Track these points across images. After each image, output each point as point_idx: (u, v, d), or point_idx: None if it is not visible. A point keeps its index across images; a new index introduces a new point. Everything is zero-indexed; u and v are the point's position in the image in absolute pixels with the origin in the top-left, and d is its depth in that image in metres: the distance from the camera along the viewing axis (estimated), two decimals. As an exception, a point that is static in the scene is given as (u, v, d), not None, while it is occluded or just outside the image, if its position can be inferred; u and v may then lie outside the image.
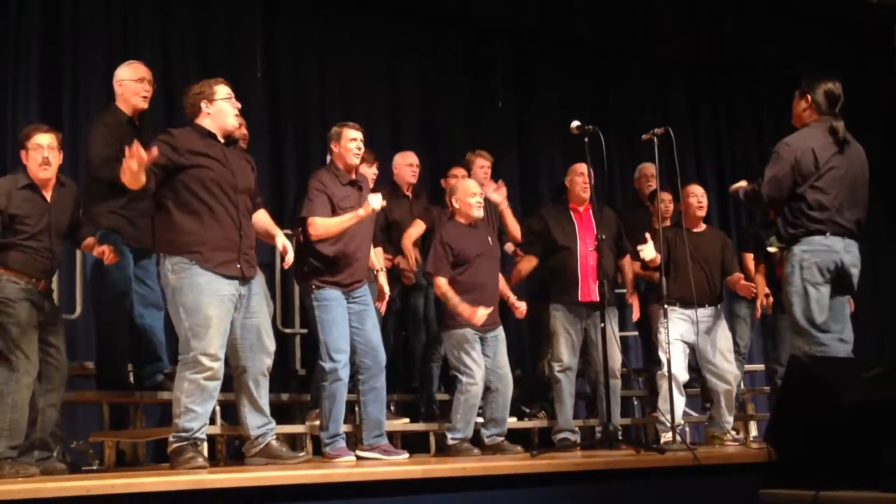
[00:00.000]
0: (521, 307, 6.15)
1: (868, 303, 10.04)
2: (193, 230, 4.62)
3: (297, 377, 6.89)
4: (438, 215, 6.44)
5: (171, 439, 4.57)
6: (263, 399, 4.84)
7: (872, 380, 4.52)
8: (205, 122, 4.81)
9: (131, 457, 5.87)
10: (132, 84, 5.62)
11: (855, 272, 5.15)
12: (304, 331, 6.77)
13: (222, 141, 4.82)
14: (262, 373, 4.81)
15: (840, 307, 5.18)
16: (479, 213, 6.00)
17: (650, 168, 7.25)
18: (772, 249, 6.74)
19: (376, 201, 5.32)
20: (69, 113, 6.81)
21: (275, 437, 4.89)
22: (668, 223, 6.58)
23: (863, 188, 5.22)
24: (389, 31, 8.47)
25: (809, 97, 5.25)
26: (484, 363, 5.88)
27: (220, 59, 7.59)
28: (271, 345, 4.87)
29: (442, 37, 8.76)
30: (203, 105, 4.80)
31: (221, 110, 4.80)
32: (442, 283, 5.87)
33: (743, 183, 5.51)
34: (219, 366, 4.60)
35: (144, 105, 5.65)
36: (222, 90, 4.83)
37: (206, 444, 4.88)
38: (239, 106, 4.89)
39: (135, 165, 4.34)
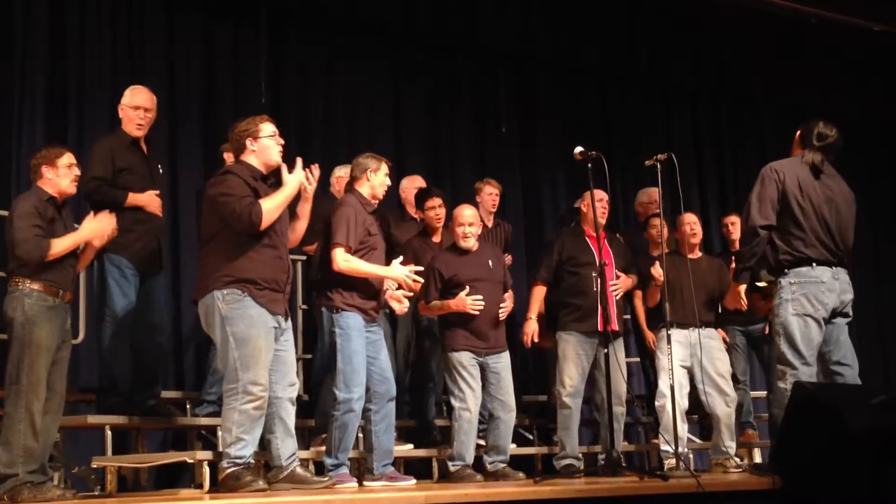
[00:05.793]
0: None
1: (874, 329, 10.03)
2: (246, 265, 4.66)
3: (300, 402, 6.85)
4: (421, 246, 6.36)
5: (224, 465, 4.62)
6: (292, 426, 4.90)
7: (879, 406, 4.51)
8: (250, 158, 4.83)
9: (133, 482, 5.85)
10: (128, 110, 5.63)
11: (846, 298, 5.13)
12: (308, 356, 6.75)
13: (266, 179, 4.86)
14: (291, 401, 4.89)
15: (839, 334, 5.17)
16: (465, 243, 5.91)
17: (653, 193, 7.21)
18: (761, 284, 6.73)
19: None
20: (74, 137, 6.79)
21: (298, 462, 4.92)
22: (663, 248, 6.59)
23: (848, 219, 5.22)
24: (394, 56, 8.51)
25: (801, 132, 5.29)
26: (479, 389, 5.85)
27: (224, 84, 7.62)
28: (294, 376, 4.97)
29: (447, 62, 8.80)
30: (248, 143, 4.83)
31: (266, 147, 4.82)
32: (422, 304, 5.86)
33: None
34: (266, 395, 4.67)
35: (138, 133, 5.61)
36: (267, 128, 4.84)
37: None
38: (283, 142, 4.90)
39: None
